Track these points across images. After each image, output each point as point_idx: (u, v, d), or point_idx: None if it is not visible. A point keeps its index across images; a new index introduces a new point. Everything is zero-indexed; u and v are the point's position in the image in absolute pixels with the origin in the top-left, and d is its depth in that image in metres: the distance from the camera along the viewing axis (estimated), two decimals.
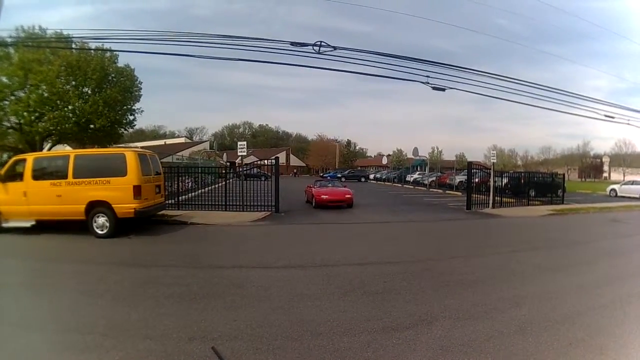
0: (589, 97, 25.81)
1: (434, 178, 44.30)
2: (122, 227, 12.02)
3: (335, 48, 16.23)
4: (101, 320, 5.43)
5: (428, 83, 18.52)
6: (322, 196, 21.17)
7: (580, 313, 6.19)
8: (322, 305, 6.21)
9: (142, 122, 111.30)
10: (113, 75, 31.64)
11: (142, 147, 23.51)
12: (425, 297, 6.81)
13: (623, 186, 37.77)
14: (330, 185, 25.07)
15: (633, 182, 38.22)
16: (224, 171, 23.67)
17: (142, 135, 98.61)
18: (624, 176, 77.23)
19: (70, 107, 29.43)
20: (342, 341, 4.86)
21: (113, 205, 11.78)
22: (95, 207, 11.83)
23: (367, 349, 4.67)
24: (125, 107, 32.96)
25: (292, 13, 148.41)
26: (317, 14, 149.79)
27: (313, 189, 22.80)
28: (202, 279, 7.64)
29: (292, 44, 16.02)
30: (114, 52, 29.85)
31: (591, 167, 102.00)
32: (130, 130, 38.68)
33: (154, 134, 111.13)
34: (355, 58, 17.32)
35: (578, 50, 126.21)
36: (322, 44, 15.90)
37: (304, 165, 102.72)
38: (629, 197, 33.96)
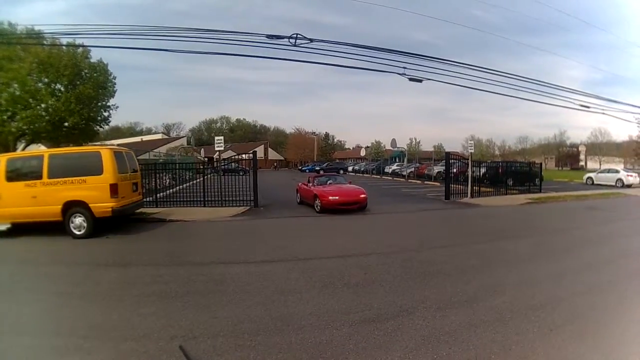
0: (565, 88, 26.02)
1: (412, 169, 44.64)
2: (99, 226, 11.84)
3: (311, 40, 16.20)
4: (81, 322, 5.36)
5: (405, 74, 18.59)
6: (331, 197, 16.78)
7: (560, 300, 6.30)
8: (302, 298, 6.23)
9: (118, 119, 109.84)
10: (86, 71, 31.17)
11: (118, 145, 23.19)
12: (405, 287, 6.86)
13: (599, 174, 38.45)
14: (331, 181, 19.96)
15: (609, 170, 38.95)
16: (201, 167, 23.51)
17: (118, 132, 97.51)
18: (600, 165, 78.72)
19: (43, 105, 29.02)
20: (323, 334, 4.88)
21: (90, 205, 11.59)
22: (72, 207, 11.63)
23: (349, 341, 4.70)
24: (99, 103, 32.53)
25: (269, 6, 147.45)
26: (294, 7, 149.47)
27: (313, 187, 18.40)
28: (181, 276, 7.57)
29: (268, 36, 15.95)
30: (87, 48, 29.48)
31: (568, 156, 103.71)
32: (106, 127, 38.26)
33: (131, 131, 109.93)
34: (332, 50, 17.31)
35: (554, 42, 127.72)
36: (299, 36, 15.86)
37: (283, 159, 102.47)
38: (605, 185, 34.73)
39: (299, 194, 20.26)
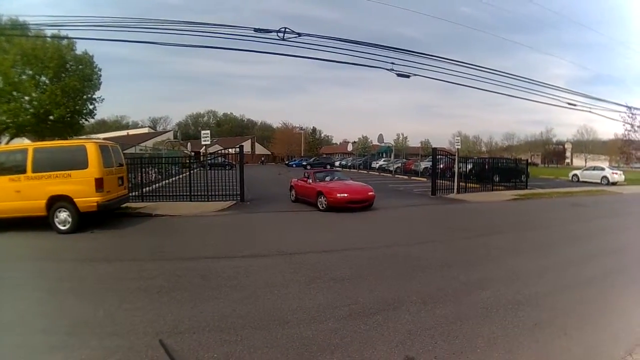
0: (553, 85, 26.39)
1: (399, 164, 44.88)
2: (84, 221, 11.72)
3: (299, 34, 16.18)
4: (66, 319, 5.33)
5: (393, 70, 18.62)
6: (339, 194, 15.70)
7: (544, 294, 6.37)
8: (288, 293, 6.24)
9: (104, 112, 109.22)
10: (71, 63, 30.77)
11: (104, 139, 22.99)
12: (391, 282, 6.90)
13: (584, 172, 38.94)
14: (332, 177, 18.70)
15: (594, 168, 39.43)
16: (188, 161, 23.37)
17: (104, 126, 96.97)
18: (586, 162, 79.91)
19: (27, 98, 28.65)
20: (309, 329, 4.89)
21: (75, 200, 11.47)
22: (57, 202, 11.50)
23: (335, 336, 4.72)
24: (84, 96, 32.11)
25: (260, 0, 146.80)
26: (283, 1, 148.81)
27: (316, 184, 17.25)
28: (167, 271, 7.54)
29: (256, 30, 15.90)
30: (72, 40, 29.12)
31: (554, 153, 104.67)
32: (92, 120, 37.87)
33: (117, 125, 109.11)
34: (320, 45, 17.31)
35: (542, 40, 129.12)
36: (287, 30, 15.82)
37: (269, 153, 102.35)
38: (590, 182, 35.14)
39: (293, 191, 18.89)
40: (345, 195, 15.82)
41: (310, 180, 17.70)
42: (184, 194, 18.22)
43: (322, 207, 15.95)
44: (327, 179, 18.26)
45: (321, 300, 5.88)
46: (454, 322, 5.17)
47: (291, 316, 5.30)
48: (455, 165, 23.38)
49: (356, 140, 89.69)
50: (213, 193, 18.05)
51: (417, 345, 4.49)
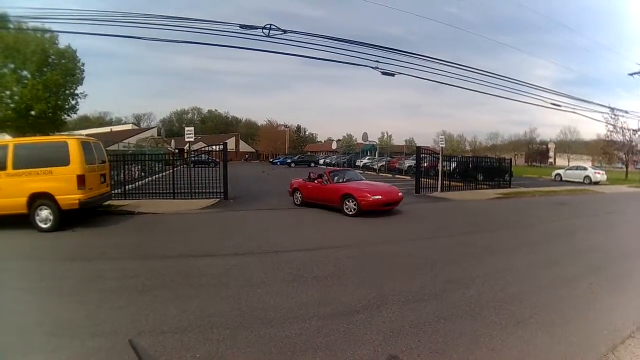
0: (537, 86, 26.72)
1: (383, 163, 45.28)
2: (66, 219, 11.56)
3: (285, 31, 16.19)
4: (47, 319, 5.25)
5: (378, 68, 18.73)
6: (372, 196, 13.97)
7: (528, 292, 6.45)
8: (272, 291, 6.22)
9: (87, 108, 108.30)
10: (54, 57, 30.50)
11: (86, 135, 22.75)
12: (374, 280, 6.91)
13: (567, 171, 39.60)
14: (346, 177, 16.53)
15: (577, 168, 40.11)
16: (171, 158, 23.21)
17: (87, 122, 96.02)
18: (569, 162, 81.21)
19: (7, 92, 28.30)
20: (292, 328, 4.89)
21: (56, 197, 11.30)
22: (38, 199, 11.30)
23: (318, 334, 4.72)
24: (67, 91, 31.85)
25: None
26: None
27: (339, 185, 15.34)
28: (150, 270, 7.48)
29: (242, 26, 15.88)
30: (55, 33, 28.80)
31: (537, 152, 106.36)
32: (74, 116, 37.58)
33: (100, 121, 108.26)
34: (305, 42, 17.34)
35: (528, 41, 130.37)
36: (272, 27, 15.83)
37: (254, 151, 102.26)
38: (573, 182, 35.73)
39: (299, 194, 16.72)
40: (380, 197, 14.13)
41: (328, 181, 15.66)
42: (167, 191, 18.05)
43: (351, 211, 14.04)
44: (349, 178, 16.35)
45: (304, 299, 5.88)
46: (438, 320, 5.20)
47: (274, 315, 5.29)
48: (440, 164, 23.48)
49: (340, 138, 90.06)
50: (196, 191, 17.92)
51: (400, 344, 4.51)
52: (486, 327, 5.01)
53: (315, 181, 16.22)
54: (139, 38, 16.83)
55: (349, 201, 14.21)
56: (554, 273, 7.72)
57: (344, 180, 15.98)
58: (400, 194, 15.20)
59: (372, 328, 4.91)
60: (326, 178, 15.80)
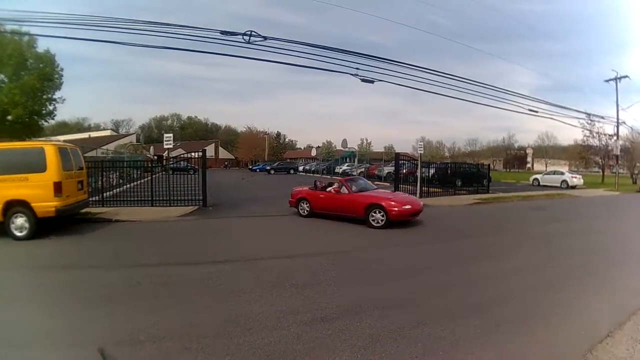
0: (516, 93, 27.41)
1: (362, 169, 45.37)
2: (42, 227, 11.32)
3: (265, 38, 16.25)
4: (23, 330, 5.16)
5: (357, 75, 18.88)
6: (400, 207, 13.31)
7: (508, 296, 6.59)
8: (250, 299, 6.19)
9: (65, 114, 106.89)
10: (31, 61, 30.09)
11: (64, 141, 22.46)
12: (352, 287, 6.95)
13: (545, 176, 40.39)
14: (362, 186, 15.64)
15: (554, 172, 40.96)
16: (150, 165, 23.04)
17: (65, 128, 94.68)
18: (546, 167, 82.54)
19: None
20: (271, 335, 4.86)
21: (32, 204, 11.08)
22: (13, 206, 11.06)
23: (297, 342, 4.71)
24: (44, 96, 31.48)
25: (227, 2, 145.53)
26: (250, 4, 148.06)
27: (362, 194, 14.40)
28: (128, 278, 7.38)
29: (222, 32, 15.90)
30: (33, 36, 28.43)
31: (515, 158, 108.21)
32: (52, 121, 37.12)
33: (78, 127, 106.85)
34: (286, 49, 17.43)
35: (507, 48, 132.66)
36: (253, 33, 15.88)
37: (233, 158, 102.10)
38: (551, 186, 36.47)
39: (307, 204, 15.49)
40: (409, 207, 13.60)
41: (348, 191, 14.57)
42: (146, 198, 17.81)
43: (378, 223, 13.13)
44: (361, 188, 15.32)
45: (283, 306, 5.86)
46: (417, 325, 5.23)
47: (254, 322, 5.26)
48: (418, 170, 23.62)
49: (320, 145, 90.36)
50: (175, 198, 17.76)
51: (379, 350, 4.52)
52: (465, 332, 5.05)
53: (328, 190, 15.20)
54: (119, 43, 16.76)
55: (376, 212, 13.27)
56: (532, 277, 7.85)
57: (360, 189, 15.01)
58: (422, 203, 14.87)
59: (351, 334, 4.92)
60: (345, 188, 14.63)
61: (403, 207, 13.36)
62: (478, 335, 4.97)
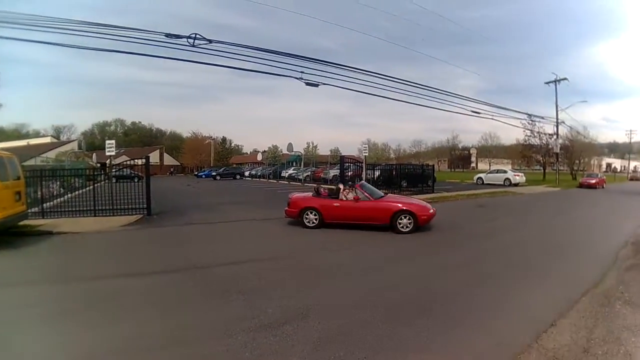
0: (460, 95, 28.40)
1: (308, 173, 46.25)
2: None
3: (210, 41, 16.23)
4: None
5: (302, 79, 19.01)
6: (426, 213, 13.52)
7: (453, 292, 6.89)
8: (197, 308, 6.16)
9: (2, 120, 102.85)
10: None
11: (0, 149, 21.80)
12: (298, 291, 6.99)
13: (488, 175, 41.88)
14: (372, 190, 15.25)
15: (497, 171, 42.61)
16: (93, 173, 22.54)
17: (1, 134, 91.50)
18: (490, 166, 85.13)
19: None
20: (219, 344, 4.85)
21: None
22: None
23: (245, 349, 4.71)
24: None
25: (173, 4, 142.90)
26: (195, 6, 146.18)
27: (386, 201, 14.22)
28: (73, 293, 7.16)
29: (167, 35, 15.79)
30: None
31: (460, 158, 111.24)
32: None
33: (16, 134, 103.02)
34: (231, 52, 17.45)
35: (452, 53, 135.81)
36: (197, 36, 15.82)
37: (179, 164, 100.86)
38: (494, 185, 38.10)
39: (315, 214, 14.31)
40: (433, 211, 13.83)
41: (368, 198, 14.11)
42: (88, 208, 17.28)
43: (406, 228, 13.18)
44: (371, 192, 14.85)
45: (231, 314, 5.85)
46: (364, 326, 5.34)
47: (200, 332, 5.25)
48: (363, 172, 24.01)
49: (266, 149, 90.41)
50: (119, 207, 17.34)
51: (328, 353, 4.60)
52: (414, 330, 5.22)
53: (342, 197, 14.26)
54: (59, 45, 16.29)
55: (403, 218, 13.31)
56: (475, 271, 8.27)
57: (372, 194, 14.54)
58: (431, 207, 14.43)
59: (299, 338, 4.98)
60: (365, 195, 14.09)
61: (429, 212, 13.58)
62: (426, 332, 5.15)
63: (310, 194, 15.32)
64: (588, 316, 5.75)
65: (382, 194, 15.17)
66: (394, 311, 5.93)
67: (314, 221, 14.21)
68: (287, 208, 15.02)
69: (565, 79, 45.91)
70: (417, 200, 15.04)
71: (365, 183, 15.90)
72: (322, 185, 17.54)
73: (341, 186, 14.60)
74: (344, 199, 14.13)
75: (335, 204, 14.14)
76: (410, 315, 5.76)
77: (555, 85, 45.82)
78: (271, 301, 6.40)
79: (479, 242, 11.81)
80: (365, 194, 14.12)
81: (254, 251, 10.81)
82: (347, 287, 7.25)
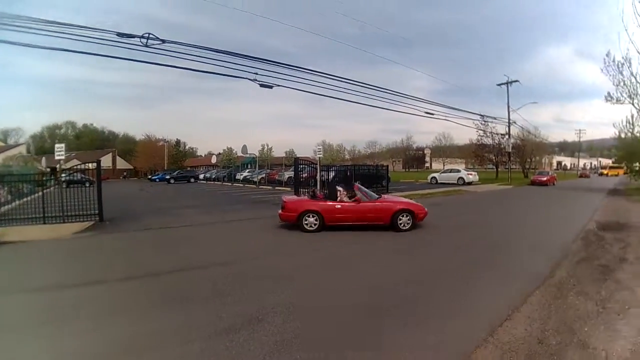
0: (413, 96, 29.08)
1: (263, 175, 46.71)
2: None
3: (164, 41, 16.11)
4: None
5: (256, 80, 19.04)
6: (422, 211, 14.47)
7: (411, 291, 6.98)
8: (150, 317, 6.03)
9: None
10: None
11: None
12: (253, 295, 6.93)
13: (442, 174, 43.00)
14: (365, 191, 15.12)
15: (451, 170, 43.81)
16: (43, 178, 21.96)
17: None
18: (444, 165, 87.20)
19: None
20: (174, 353, 4.78)
21: None
22: None
23: (201, 356, 4.65)
24: None
25: (127, 2, 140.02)
26: (148, 4, 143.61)
27: (388, 201, 15.15)
28: (17, 306, 6.91)
29: (119, 34, 15.58)
30: None
31: (414, 158, 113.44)
32: None
33: None
34: (185, 53, 17.36)
35: (405, 55, 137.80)
36: (150, 36, 15.67)
37: (132, 168, 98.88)
38: (448, 184, 39.25)
39: (316, 218, 14.11)
40: (426, 209, 14.74)
41: (369, 199, 14.60)
42: (38, 215, 16.61)
43: (405, 226, 13.96)
44: (368, 194, 15.15)
45: (184, 321, 5.74)
46: (319, 328, 5.42)
47: (153, 340, 5.15)
48: (318, 174, 24.19)
49: (221, 152, 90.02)
50: (69, 213, 16.81)
51: (286, 356, 4.61)
52: (371, 330, 5.31)
53: (345, 199, 14.44)
54: (6, 42, 15.77)
55: (403, 216, 14.10)
56: (430, 269, 8.53)
57: (370, 196, 14.86)
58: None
59: (255, 343, 4.95)
60: (366, 196, 14.57)
61: (424, 210, 14.50)
62: (384, 330, 5.26)
63: (299, 197, 16.54)
64: (542, 308, 5.97)
65: (377, 195, 15.72)
66: (350, 313, 6.05)
67: (314, 224, 14.07)
68: (281, 212, 14.87)
69: (516, 81, 47.60)
70: (409, 200, 15.78)
71: (361, 185, 16.04)
72: (316, 188, 18.54)
73: (340, 189, 14.82)
74: (344, 201, 14.41)
75: (337, 206, 14.29)
76: (362, 315, 5.89)
77: (507, 87, 47.40)
78: (225, 307, 6.34)
79: (434, 240, 12.22)
80: (365, 195, 14.58)
81: (208, 255, 10.80)
82: (301, 291, 7.32)
